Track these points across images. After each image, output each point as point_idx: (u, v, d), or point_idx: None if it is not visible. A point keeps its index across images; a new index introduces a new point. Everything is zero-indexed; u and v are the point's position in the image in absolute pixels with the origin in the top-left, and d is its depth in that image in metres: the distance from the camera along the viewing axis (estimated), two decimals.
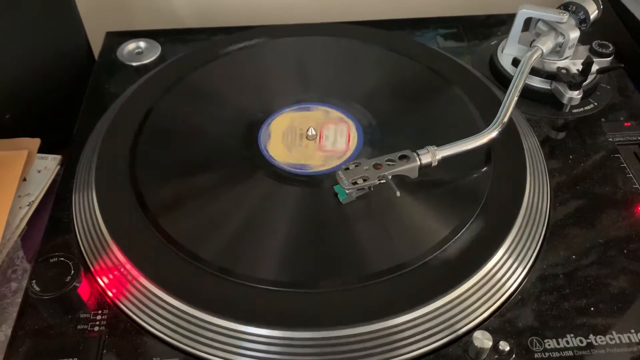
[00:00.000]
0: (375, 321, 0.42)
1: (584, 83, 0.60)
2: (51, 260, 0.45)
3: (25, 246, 0.53)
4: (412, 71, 0.64)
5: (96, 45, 0.72)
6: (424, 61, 0.65)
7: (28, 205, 0.55)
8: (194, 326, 0.43)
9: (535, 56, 0.59)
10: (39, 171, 0.58)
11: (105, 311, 0.45)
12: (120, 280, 0.46)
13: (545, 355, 0.43)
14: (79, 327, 0.44)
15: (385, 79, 0.64)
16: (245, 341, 0.42)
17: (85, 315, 0.45)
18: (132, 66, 0.69)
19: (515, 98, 0.55)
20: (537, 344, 0.43)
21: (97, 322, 0.45)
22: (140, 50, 0.71)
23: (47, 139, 0.60)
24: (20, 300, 0.47)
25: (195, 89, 0.62)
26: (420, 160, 0.50)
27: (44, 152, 0.59)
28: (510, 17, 0.65)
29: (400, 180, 0.50)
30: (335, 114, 0.60)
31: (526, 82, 0.58)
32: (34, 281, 0.44)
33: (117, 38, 0.72)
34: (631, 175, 0.55)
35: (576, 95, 0.59)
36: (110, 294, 0.46)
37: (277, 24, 0.71)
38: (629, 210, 0.52)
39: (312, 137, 0.57)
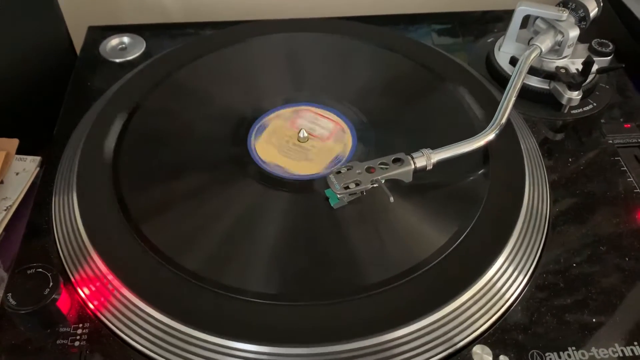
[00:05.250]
0: (369, 336, 0.41)
1: (584, 83, 0.58)
2: (28, 272, 0.42)
3: (2, 253, 0.51)
4: (406, 69, 0.62)
5: (78, 40, 0.70)
6: (418, 58, 0.63)
7: (5, 210, 0.53)
8: (179, 340, 0.41)
9: (533, 55, 0.57)
10: (17, 173, 0.56)
11: (87, 324, 0.43)
12: (102, 292, 0.44)
13: None
14: (58, 341, 0.42)
15: (378, 77, 0.62)
16: (233, 357, 0.40)
17: (65, 329, 0.43)
18: (115, 63, 0.66)
19: (513, 99, 0.54)
20: (538, 358, 0.42)
21: (78, 337, 0.43)
22: (124, 45, 0.68)
23: (25, 139, 0.57)
24: None
25: (182, 87, 0.60)
26: (414, 163, 0.49)
27: (23, 153, 0.57)
28: (507, 14, 0.63)
29: (394, 184, 0.48)
30: (327, 114, 0.58)
31: (524, 81, 0.56)
32: (9, 294, 0.41)
33: (100, 32, 0.70)
34: (632, 178, 0.54)
35: (575, 95, 0.58)
36: (91, 306, 0.44)
37: (267, 19, 0.69)
38: (631, 216, 0.51)
39: (303, 139, 0.55)
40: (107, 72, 0.65)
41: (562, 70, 0.58)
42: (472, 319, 0.43)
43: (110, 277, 0.44)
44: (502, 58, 0.64)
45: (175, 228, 0.48)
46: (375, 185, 0.47)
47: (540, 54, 0.58)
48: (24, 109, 0.64)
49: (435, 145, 0.49)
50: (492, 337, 0.43)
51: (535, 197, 0.51)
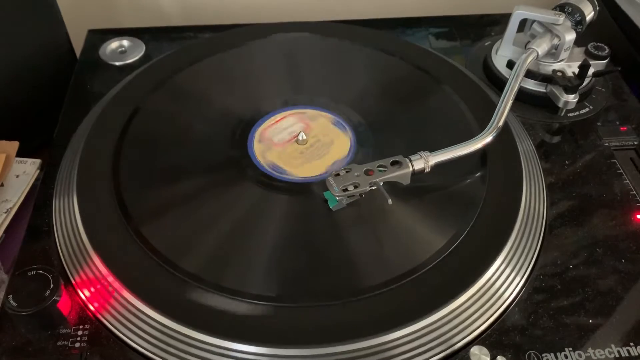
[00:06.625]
0: (367, 337, 0.41)
1: (580, 86, 0.58)
2: (29, 274, 0.43)
3: (3, 255, 0.51)
4: (404, 72, 0.63)
5: (78, 43, 0.70)
6: (416, 61, 0.63)
7: (6, 212, 0.53)
8: (179, 342, 0.41)
9: (530, 58, 0.58)
10: (17, 176, 0.56)
11: (87, 326, 0.43)
12: (102, 294, 0.44)
13: None
14: (59, 343, 0.42)
15: (376, 80, 0.63)
16: (232, 358, 0.41)
17: (65, 330, 0.43)
18: (115, 66, 0.66)
19: (510, 101, 0.54)
20: (535, 359, 0.42)
21: (78, 338, 0.43)
22: (123, 49, 0.68)
23: (26, 141, 0.58)
24: None
25: (182, 90, 0.60)
26: (412, 166, 0.49)
27: (23, 155, 0.57)
28: (504, 17, 0.64)
29: (393, 186, 0.48)
30: (326, 116, 0.58)
31: (521, 84, 0.57)
32: (10, 296, 0.41)
33: (99, 36, 0.70)
34: (628, 181, 0.54)
35: (572, 98, 0.58)
36: (92, 307, 0.44)
37: (265, 23, 0.69)
38: (627, 218, 0.51)
39: (302, 142, 0.55)
40: (106, 75, 0.65)
41: (559, 74, 0.59)
42: (470, 320, 0.43)
43: (111, 278, 0.44)
44: (499, 61, 0.64)
45: (175, 230, 0.48)
46: (373, 188, 0.48)
47: (537, 57, 0.58)
48: (24, 112, 0.64)
49: (433, 148, 0.50)
50: (490, 338, 0.43)
51: (533, 199, 0.51)
